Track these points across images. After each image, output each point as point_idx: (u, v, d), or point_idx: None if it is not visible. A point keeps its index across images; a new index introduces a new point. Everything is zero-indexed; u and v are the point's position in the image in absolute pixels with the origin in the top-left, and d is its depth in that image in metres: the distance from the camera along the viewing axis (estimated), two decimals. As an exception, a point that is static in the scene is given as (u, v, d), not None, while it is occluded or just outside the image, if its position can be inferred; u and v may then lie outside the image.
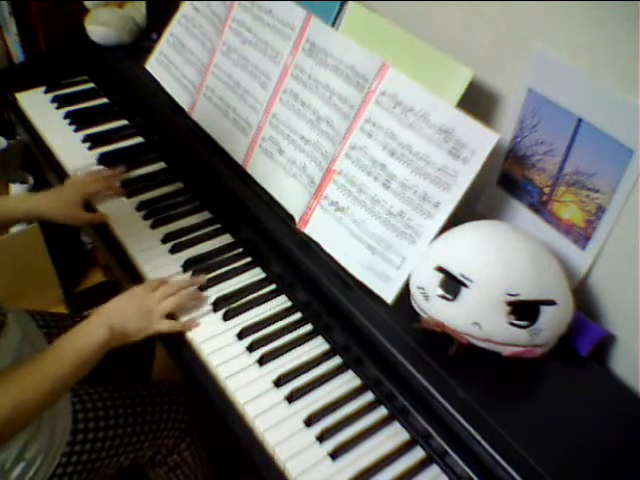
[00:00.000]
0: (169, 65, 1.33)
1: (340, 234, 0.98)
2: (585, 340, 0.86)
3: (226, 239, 1.16)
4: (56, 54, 1.57)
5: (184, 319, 1.00)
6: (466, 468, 0.78)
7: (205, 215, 1.21)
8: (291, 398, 0.90)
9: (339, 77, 1.00)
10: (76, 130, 1.40)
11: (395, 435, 0.88)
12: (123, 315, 0.94)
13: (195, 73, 1.27)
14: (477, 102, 0.93)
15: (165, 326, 0.97)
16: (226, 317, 1.01)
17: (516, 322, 0.79)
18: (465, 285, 0.80)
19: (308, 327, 1.01)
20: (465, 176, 0.86)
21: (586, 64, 0.81)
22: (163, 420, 1.10)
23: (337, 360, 0.97)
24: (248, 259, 1.12)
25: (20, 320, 1.02)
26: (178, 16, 1.32)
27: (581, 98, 0.82)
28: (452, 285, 0.81)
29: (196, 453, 1.20)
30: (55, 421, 0.96)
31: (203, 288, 1.05)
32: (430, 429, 0.83)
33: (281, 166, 1.08)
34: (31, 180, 1.85)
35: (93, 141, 1.36)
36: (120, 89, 1.46)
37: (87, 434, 0.99)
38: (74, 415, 0.99)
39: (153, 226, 1.17)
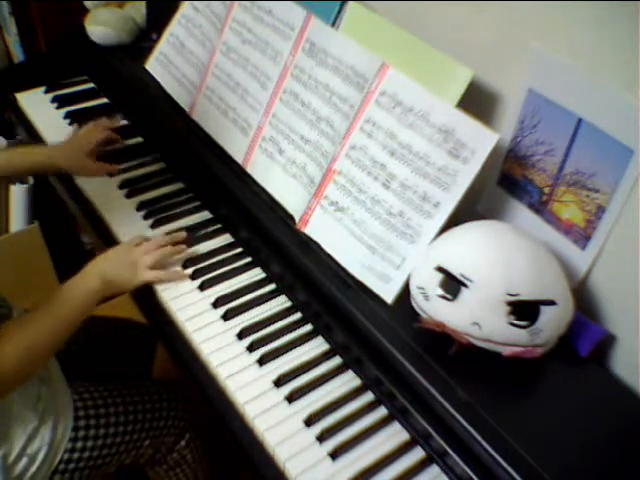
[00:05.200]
0: (169, 65, 1.33)
1: (340, 234, 0.98)
2: (585, 340, 0.86)
3: (226, 239, 1.16)
4: (56, 54, 1.57)
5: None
6: (466, 468, 0.78)
7: (205, 215, 1.21)
8: (291, 398, 0.90)
9: (339, 77, 1.00)
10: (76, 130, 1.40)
11: (395, 435, 0.88)
12: (113, 266, 1.00)
13: (195, 73, 1.27)
14: (477, 102, 0.93)
15: (151, 276, 1.02)
16: (226, 317, 1.01)
17: (516, 322, 0.79)
18: (465, 285, 0.80)
19: (308, 327, 1.01)
20: (465, 176, 0.86)
21: (586, 64, 0.81)
22: (163, 418, 1.11)
23: (337, 360, 0.97)
24: (248, 259, 1.12)
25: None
26: (178, 16, 1.32)
27: (581, 98, 0.82)
28: (452, 285, 0.81)
29: (196, 451, 1.21)
30: (57, 417, 0.96)
31: (204, 287, 1.05)
32: (430, 429, 0.83)
33: (281, 166, 1.08)
34: (31, 180, 1.85)
35: (93, 141, 1.36)
36: (120, 89, 1.46)
37: (88, 431, 1.00)
38: (75, 412, 1.00)
39: (153, 226, 1.17)
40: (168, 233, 1.14)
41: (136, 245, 1.05)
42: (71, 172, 1.24)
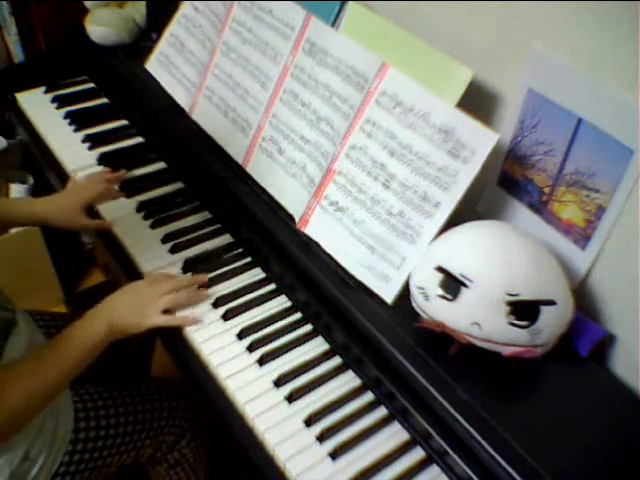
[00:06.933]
0: (169, 65, 1.33)
1: (340, 234, 0.98)
2: (585, 340, 0.86)
3: (226, 239, 1.16)
4: (56, 54, 1.57)
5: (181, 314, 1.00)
6: (466, 468, 0.78)
7: (205, 215, 1.21)
8: (291, 398, 0.90)
9: (339, 77, 1.00)
10: (76, 130, 1.40)
11: (395, 435, 0.88)
12: (121, 309, 0.95)
13: (195, 73, 1.27)
14: (477, 102, 0.93)
15: (161, 320, 0.97)
16: (226, 317, 1.01)
17: (516, 322, 0.79)
18: (465, 285, 0.80)
19: (308, 327, 1.01)
20: (465, 176, 0.86)
21: (586, 64, 0.81)
22: (163, 417, 1.11)
23: (337, 360, 0.97)
24: (248, 259, 1.12)
25: (24, 320, 1.02)
26: (178, 16, 1.32)
27: (581, 98, 0.82)
28: (452, 285, 0.81)
29: (196, 450, 1.21)
30: (57, 420, 0.96)
31: (204, 287, 1.05)
32: (430, 429, 0.83)
33: (281, 166, 1.08)
34: (31, 180, 1.85)
35: (93, 141, 1.36)
36: (120, 89, 1.46)
37: (89, 433, 1.00)
38: (75, 414, 0.99)
39: (153, 226, 1.17)
40: (169, 234, 1.14)
41: (154, 283, 1.00)
42: (61, 227, 1.16)
